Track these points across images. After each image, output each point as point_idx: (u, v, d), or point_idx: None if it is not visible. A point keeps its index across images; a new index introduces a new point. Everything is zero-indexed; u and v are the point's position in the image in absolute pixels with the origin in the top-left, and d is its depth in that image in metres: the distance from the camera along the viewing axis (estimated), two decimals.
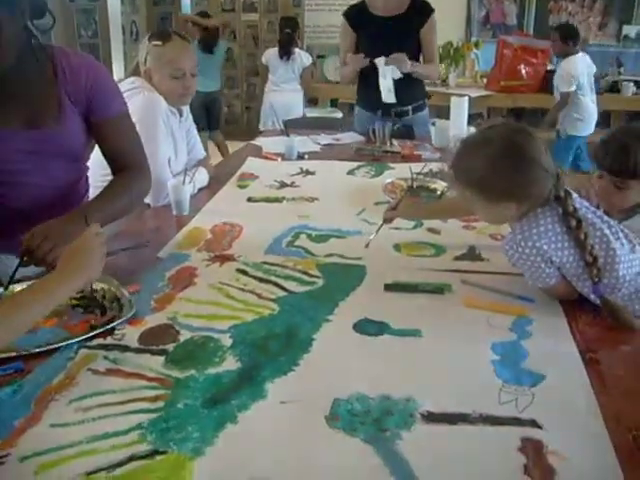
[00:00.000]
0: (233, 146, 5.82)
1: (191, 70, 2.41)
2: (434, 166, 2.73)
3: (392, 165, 2.91)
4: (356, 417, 1.13)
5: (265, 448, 1.06)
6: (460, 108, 3.28)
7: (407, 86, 3.51)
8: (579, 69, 5.29)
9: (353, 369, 1.29)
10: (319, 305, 1.55)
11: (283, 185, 2.60)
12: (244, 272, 1.74)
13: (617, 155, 1.79)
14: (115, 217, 1.83)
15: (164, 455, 1.04)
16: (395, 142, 3.29)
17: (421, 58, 3.63)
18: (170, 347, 1.36)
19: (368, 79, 3.63)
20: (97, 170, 2.05)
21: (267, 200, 2.41)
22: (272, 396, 1.19)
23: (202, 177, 2.51)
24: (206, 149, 2.85)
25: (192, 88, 2.45)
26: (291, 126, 3.76)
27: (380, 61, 3.45)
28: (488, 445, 1.07)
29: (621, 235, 1.52)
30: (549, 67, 6.43)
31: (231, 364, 1.30)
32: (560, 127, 5.39)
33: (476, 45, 7.17)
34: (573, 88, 5.27)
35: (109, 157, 1.89)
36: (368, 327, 1.45)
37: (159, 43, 2.37)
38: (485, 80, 6.74)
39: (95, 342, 1.37)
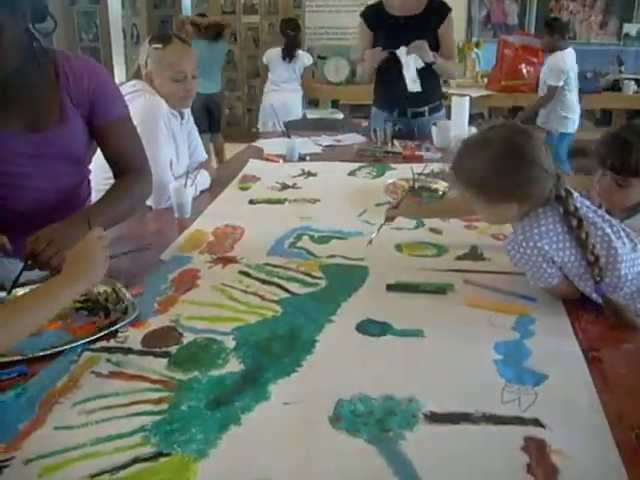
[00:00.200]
0: (234, 148, 5.80)
1: (192, 72, 2.42)
2: (435, 166, 2.73)
3: (393, 166, 2.91)
4: (359, 418, 1.13)
5: (268, 449, 1.06)
6: (461, 108, 3.28)
7: (423, 87, 3.48)
8: (568, 64, 5.29)
9: (356, 370, 1.29)
10: (322, 306, 1.55)
11: (285, 187, 2.60)
12: (246, 274, 1.74)
13: (619, 153, 1.79)
14: (117, 220, 1.83)
15: (168, 457, 1.04)
16: (396, 143, 3.29)
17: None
18: (173, 349, 1.36)
19: (385, 79, 3.63)
20: (99, 173, 2.05)
21: (269, 202, 2.41)
22: (275, 397, 1.19)
23: (204, 179, 2.51)
24: (208, 152, 2.85)
25: (193, 91, 2.46)
26: (292, 127, 3.76)
27: (402, 51, 3.41)
28: (491, 445, 1.07)
29: (622, 234, 1.52)
30: None
31: (234, 366, 1.30)
32: (549, 127, 5.36)
33: (477, 45, 7.16)
34: (561, 83, 5.26)
35: (111, 160, 1.90)
36: (371, 328, 1.45)
37: (160, 46, 2.37)
38: (486, 80, 6.73)
39: (98, 345, 1.37)
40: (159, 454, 1.04)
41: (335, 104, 7.20)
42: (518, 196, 1.47)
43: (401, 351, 1.36)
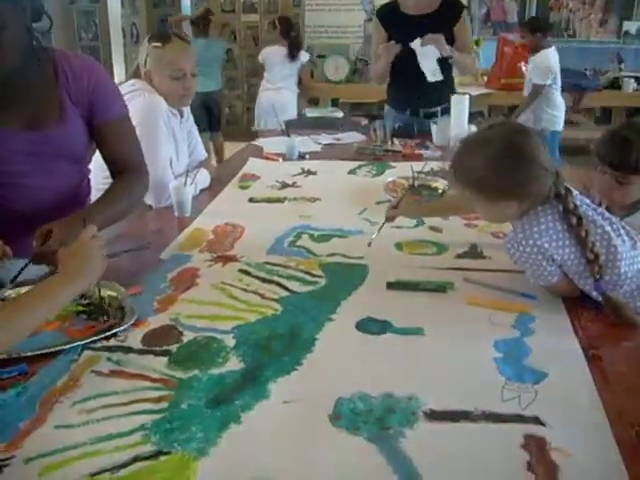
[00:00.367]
0: (234, 147, 5.80)
1: (191, 70, 2.42)
2: (435, 165, 2.73)
3: (393, 164, 2.91)
4: (359, 416, 1.13)
5: (268, 448, 1.06)
6: (461, 106, 3.27)
7: (435, 87, 3.47)
8: (553, 62, 5.28)
9: (356, 368, 1.29)
10: (322, 305, 1.55)
11: (284, 185, 2.60)
12: (246, 272, 1.74)
13: (619, 150, 1.79)
14: (115, 220, 1.84)
15: (168, 456, 1.04)
16: (396, 141, 3.29)
17: None
18: (173, 348, 1.36)
19: (399, 78, 3.63)
20: (99, 173, 2.05)
21: (269, 200, 2.41)
22: (275, 396, 1.19)
23: (204, 178, 2.51)
24: (207, 150, 2.85)
25: (192, 89, 2.46)
26: (292, 126, 3.76)
27: (416, 43, 3.40)
28: (491, 442, 1.07)
29: (622, 232, 1.52)
30: None
31: (234, 364, 1.30)
32: (540, 126, 5.34)
33: (477, 43, 7.15)
34: (549, 81, 5.24)
35: (109, 159, 1.90)
36: (371, 326, 1.45)
37: (159, 45, 2.37)
38: (486, 78, 6.73)
39: (98, 344, 1.37)
40: (159, 453, 1.04)
41: (335, 102, 7.21)
42: (517, 195, 1.47)
43: (401, 349, 1.36)
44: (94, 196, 1.99)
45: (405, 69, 3.50)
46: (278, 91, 6.29)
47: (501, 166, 1.45)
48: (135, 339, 1.40)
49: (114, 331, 1.41)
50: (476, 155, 1.50)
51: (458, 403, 1.16)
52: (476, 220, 2.07)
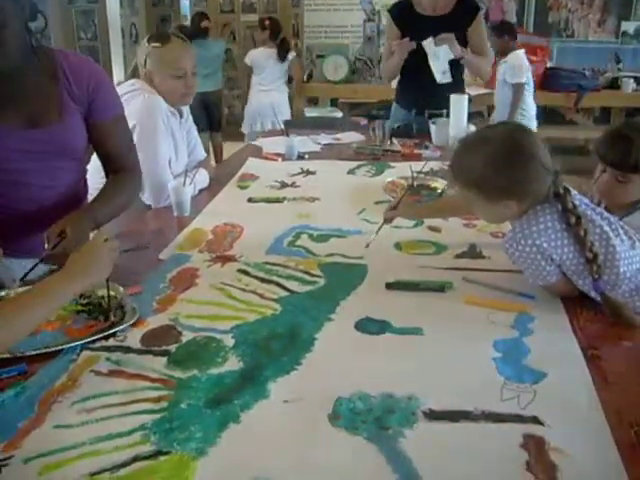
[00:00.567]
0: (233, 147, 5.79)
1: (192, 69, 2.43)
2: (434, 164, 2.73)
3: (392, 164, 2.91)
4: (358, 415, 1.13)
5: (268, 447, 1.06)
6: (460, 106, 3.27)
7: (445, 89, 3.41)
8: (525, 62, 5.28)
9: (355, 368, 1.29)
10: (321, 304, 1.55)
11: (284, 185, 2.60)
12: (246, 272, 1.74)
13: (619, 149, 1.80)
14: (111, 218, 1.86)
15: (167, 455, 1.04)
16: (395, 141, 3.29)
17: None
18: (172, 348, 1.36)
19: (408, 76, 3.63)
20: (95, 173, 2.05)
21: (268, 200, 2.41)
22: (275, 396, 1.20)
23: (203, 178, 2.51)
24: (206, 150, 2.85)
25: (193, 87, 2.47)
26: (291, 126, 3.76)
27: (429, 42, 3.39)
28: (490, 442, 1.07)
29: (621, 232, 1.53)
30: (549, 64, 6.43)
31: (233, 364, 1.30)
32: None
33: None
34: (524, 79, 5.24)
35: (104, 158, 1.91)
36: (370, 326, 1.45)
37: (158, 45, 2.38)
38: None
39: (97, 344, 1.37)
40: (159, 452, 1.04)
41: (334, 102, 7.20)
42: (517, 193, 1.48)
43: (400, 349, 1.37)
44: (91, 197, 1.99)
45: (416, 68, 3.49)
46: (271, 93, 6.27)
47: (500, 164, 1.45)
48: (134, 339, 1.40)
49: (115, 330, 1.41)
50: (475, 154, 1.50)
51: (457, 403, 1.17)
52: (475, 220, 2.07)
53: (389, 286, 1.65)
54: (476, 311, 1.52)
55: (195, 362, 1.30)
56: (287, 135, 3.26)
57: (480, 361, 1.31)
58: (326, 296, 1.60)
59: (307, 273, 1.73)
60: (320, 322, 1.47)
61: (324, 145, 3.38)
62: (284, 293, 1.62)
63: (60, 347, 1.34)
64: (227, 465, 1.02)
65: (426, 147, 3.18)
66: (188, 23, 7.36)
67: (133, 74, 2.48)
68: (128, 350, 1.35)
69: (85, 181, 1.98)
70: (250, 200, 2.42)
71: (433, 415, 1.14)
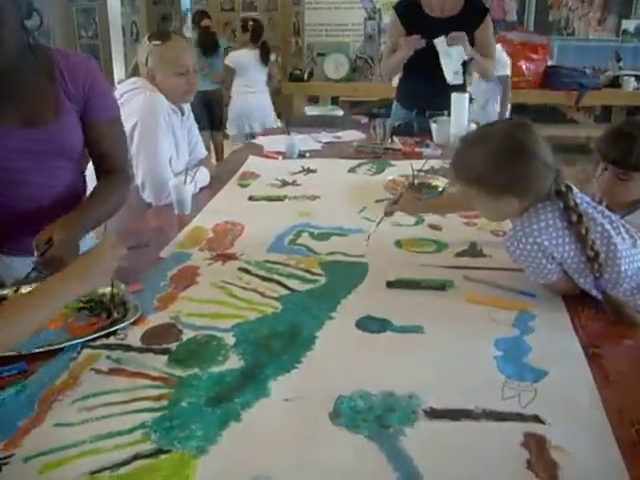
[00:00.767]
0: (234, 145, 5.80)
1: (193, 66, 2.44)
2: (435, 163, 2.73)
3: (393, 162, 2.91)
4: (359, 414, 1.13)
5: (269, 446, 1.06)
6: (461, 104, 3.27)
7: (448, 90, 3.36)
8: (505, 56, 5.26)
9: (356, 366, 1.29)
10: (322, 303, 1.55)
11: (284, 184, 2.60)
12: (246, 271, 1.74)
13: (621, 146, 1.80)
14: (99, 223, 1.85)
15: (168, 454, 1.04)
16: (396, 139, 3.29)
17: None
18: (173, 346, 1.36)
19: (411, 76, 3.62)
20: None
21: (268, 199, 2.41)
22: (275, 394, 1.19)
23: (203, 176, 2.51)
24: (207, 149, 2.85)
25: (195, 84, 2.48)
26: (292, 125, 3.76)
27: (440, 40, 3.35)
28: (491, 441, 1.07)
29: (622, 230, 1.52)
30: (550, 63, 6.42)
31: (234, 363, 1.30)
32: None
33: None
34: (509, 72, 5.21)
35: (97, 158, 1.90)
36: (370, 324, 1.45)
37: (159, 43, 2.38)
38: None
39: (98, 342, 1.37)
40: (159, 451, 1.04)
41: (335, 101, 7.20)
42: (518, 191, 1.47)
43: (401, 347, 1.36)
44: None
45: (419, 68, 3.48)
46: (258, 95, 6.23)
47: (502, 161, 1.45)
48: (135, 337, 1.40)
49: (118, 327, 1.41)
50: (477, 151, 1.50)
51: (458, 401, 1.16)
52: (476, 218, 2.07)
53: (390, 284, 1.64)
54: (477, 309, 1.52)
55: (196, 360, 1.30)
56: (288, 133, 3.26)
57: (481, 359, 1.31)
58: (327, 294, 1.60)
59: (308, 271, 1.73)
60: (321, 320, 1.46)
61: (325, 143, 3.37)
62: (285, 291, 1.62)
63: (63, 345, 1.34)
64: (228, 463, 1.02)
65: (427, 145, 3.18)
66: (189, 21, 7.36)
67: (133, 72, 2.47)
68: (129, 348, 1.35)
69: (84, 181, 1.98)
70: (251, 198, 2.42)
71: (434, 414, 1.13)
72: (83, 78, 1.76)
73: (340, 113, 6.36)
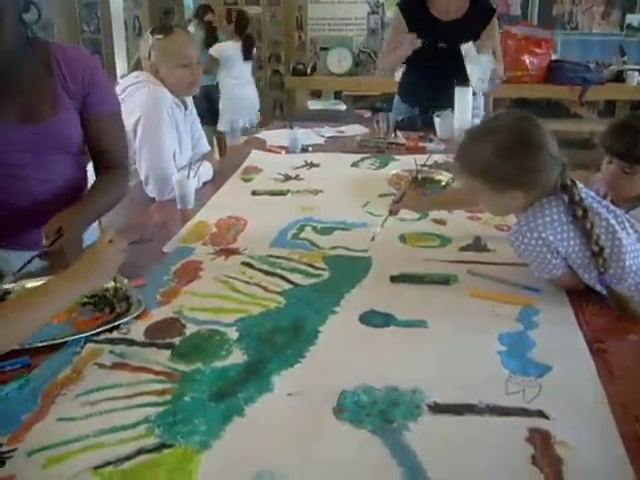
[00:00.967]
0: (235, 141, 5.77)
1: (196, 58, 2.46)
2: (439, 157, 2.72)
3: (396, 157, 2.90)
4: (362, 409, 1.13)
5: (272, 441, 1.06)
6: (464, 99, 3.26)
7: (452, 90, 3.33)
8: None
9: (359, 361, 1.28)
10: (325, 297, 1.55)
11: (287, 178, 2.59)
12: (249, 265, 1.73)
13: (626, 140, 1.79)
14: (98, 218, 1.87)
15: (171, 448, 1.03)
16: (399, 134, 3.28)
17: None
18: (176, 341, 1.36)
19: (415, 74, 3.59)
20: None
21: (271, 193, 2.41)
22: (279, 389, 1.19)
23: (206, 171, 2.50)
24: (210, 143, 2.84)
25: (199, 76, 2.49)
26: (294, 119, 3.75)
27: (469, 48, 3.27)
28: (495, 436, 1.07)
29: (627, 225, 1.52)
30: (553, 57, 6.40)
31: (237, 357, 1.30)
32: None
33: None
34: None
35: (96, 153, 1.90)
36: (374, 319, 1.44)
37: (162, 36, 2.38)
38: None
39: (101, 336, 1.37)
40: (163, 445, 1.04)
41: (338, 95, 7.18)
42: (525, 184, 1.46)
43: (405, 342, 1.36)
44: None
45: (423, 67, 3.45)
46: (248, 87, 6.20)
47: (509, 153, 1.44)
48: (138, 332, 1.39)
49: (121, 321, 1.41)
50: (483, 143, 1.49)
51: (462, 396, 1.16)
52: (480, 213, 2.06)
53: (394, 279, 1.64)
54: (481, 304, 1.51)
55: (199, 355, 1.30)
56: (291, 128, 3.25)
57: (485, 354, 1.31)
58: (330, 289, 1.59)
59: (311, 266, 1.73)
60: (324, 315, 1.46)
61: (328, 138, 3.37)
62: (288, 286, 1.61)
63: (67, 339, 1.34)
64: (231, 458, 1.02)
65: (430, 140, 3.17)
66: (191, 16, 7.34)
67: (135, 67, 2.47)
68: (132, 343, 1.35)
69: (85, 176, 1.97)
70: (254, 193, 2.41)
71: (438, 408, 1.13)
72: (82, 73, 1.75)
73: (343, 107, 6.36)
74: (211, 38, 6.35)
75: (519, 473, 0.99)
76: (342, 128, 3.60)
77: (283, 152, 3.01)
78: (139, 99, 2.31)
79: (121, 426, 1.08)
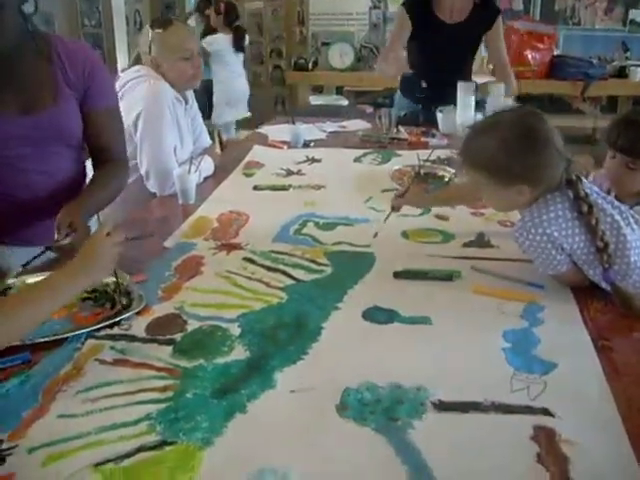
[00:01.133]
0: (239, 135, 5.78)
1: (197, 50, 2.46)
2: (441, 153, 2.71)
3: (399, 152, 2.89)
4: (366, 406, 1.12)
5: (275, 438, 1.05)
6: (467, 93, 3.24)
7: (453, 85, 3.29)
8: None
9: (363, 358, 1.28)
10: (328, 293, 1.53)
11: (289, 173, 2.58)
12: (251, 261, 1.72)
13: (630, 135, 1.78)
14: (100, 209, 1.85)
15: (173, 446, 1.03)
16: (402, 129, 3.27)
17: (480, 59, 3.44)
18: (178, 337, 1.35)
19: (418, 75, 3.54)
20: None
21: (273, 188, 2.39)
22: (281, 385, 1.18)
23: (208, 166, 2.49)
24: (212, 137, 2.83)
25: (201, 68, 2.48)
26: (296, 114, 3.74)
27: (466, 86, 3.26)
28: (500, 434, 1.06)
29: (632, 221, 1.51)
30: (556, 52, 6.38)
31: (240, 353, 1.29)
32: None
33: None
34: None
35: (94, 148, 1.89)
36: (377, 315, 1.43)
37: (162, 30, 2.37)
38: (491, 66, 6.68)
39: (102, 332, 1.36)
40: (164, 443, 1.03)
41: (339, 90, 7.16)
42: (531, 178, 1.45)
43: (408, 339, 1.35)
44: None
45: (427, 68, 3.42)
46: (239, 79, 6.16)
47: (516, 148, 1.43)
48: (139, 328, 1.38)
49: (123, 316, 1.40)
50: (489, 138, 1.47)
51: (467, 394, 1.15)
52: (483, 208, 2.05)
53: (397, 275, 1.63)
54: (485, 301, 1.50)
55: (201, 351, 1.29)
56: (293, 123, 3.23)
57: (489, 351, 1.30)
58: (333, 285, 1.58)
59: (314, 262, 1.72)
60: (327, 311, 1.45)
61: (330, 133, 3.35)
62: (290, 282, 1.60)
63: (67, 335, 1.33)
64: (233, 455, 1.01)
65: (433, 135, 3.16)
66: (192, 10, 7.31)
67: (135, 62, 2.46)
68: (133, 339, 1.34)
69: (84, 172, 1.96)
70: (256, 188, 2.40)
71: (442, 406, 1.12)
72: (82, 65, 1.75)
73: (345, 103, 6.33)
74: (210, 32, 6.32)
75: (524, 471, 0.98)
76: (344, 123, 3.59)
77: (285, 147, 3.00)
78: (140, 93, 2.30)
79: (122, 423, 1.08)
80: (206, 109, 5.76)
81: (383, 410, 1.11)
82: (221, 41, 6.07)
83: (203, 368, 1.23)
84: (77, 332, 1.34)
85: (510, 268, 1.65)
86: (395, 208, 1.98)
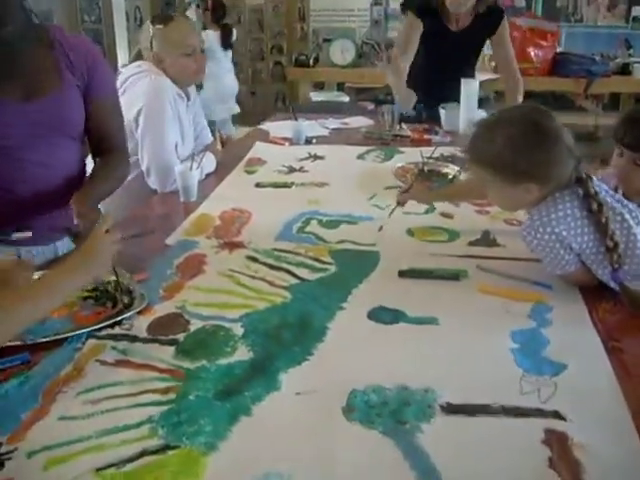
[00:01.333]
0: (239, 132, 5.75)
1: (200, 45, 2.42)
2: (444, 150, 2.69)
3: (402, 149, 2.86)
4: (373, 409, 1.10)
5: (280, 441, 1.03)
6: (470, 90, 3.21)
7: (456, 85, 3.22)
8: None
9: (369, 359, 1.25)
10: (332, 292, 1.51)
11: (292, 170, 2.56)
12: (254, 259, 1.70)
13: (636, 131, 1.75)
14: (102, 199, 1.85)
15: (176, 450, 1.00)
16: (404, 126, 3.24)
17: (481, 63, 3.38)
18: (180, 337, 1.32)
19: (421, 76, 3.47)
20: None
21: (276, 185, 2.37)
22: (286, 387, 1.16)
23: (209, 162, 2.46)
24: (213, 134, 2.81)
25: (204, 64, 2.46)
26: (298, 110, 3.71)
27: (452, 107, 3.22)
28: (511, 437, 1.04)
29: None
30: (558, 49, 6.35)
31: (243, 354, 1.26)
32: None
33: None
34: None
35: (95, 137, 1.89)
36: (383, 315, 1.41)
37: (163, 26, 2.34)
38: (494, 63, 6.65)
39: (103, 332, 1.33)
40: (167, 447, 1.01)
41: (340, 87, 7.14)
42: (540, 176, 1.43)
43: (415, 339, 1.33)
44: None
45: (429, 71, 3.37)
46: (228, 75, 6.12)
47: (525, 145, 1.40)
48: (140, 328, 1.36)
49: (124, 315, 1.38)
50: (497, 135, 1.45)
51: (475, 396, 1.13)
52: (488, 206, 2.03)
53: (402, 274, 1.61)
54: (492, 300, 1.48)
55: (204, 352, 1.27)
56: (295, 119, 3.21)
57: (497, 352, 1.27)
58: (337, 284, 1.56)
59: (317, 260, 1.69)
60: (332, 311, 1.43)
61: (332, 129, 3.33)
62: (294, 280, 1.58)
63: (68, 334, 1.31)
64: (238, 459, 0.99)
65: (436, 132, 3.13)
66: (192, 6, 7.27)
67: (136, 58, 2.44)
68: (135, 339, 1.32)
69: (84, 168, 1.94)
70: (258, 185, 2.37)
71: (450, 409, 1.10)
72: (84, 56, 1.76)
73: (346, 99, 6.30)
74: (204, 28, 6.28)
75: (536, 476, 0.96)
76: (346, 120, 3.56)
77: (287, 144, 2.97)
78: (141, 89, 2.28)
79: (124, 426, 1.05)
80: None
81: (390, 413, 1.08)
82: (210, 38, 6.04)
83: (206, 369, 1.21)
84: (78, 332, 1.32)
85: (517, 267, 1.63)
86: (400, 203, 1.96)
